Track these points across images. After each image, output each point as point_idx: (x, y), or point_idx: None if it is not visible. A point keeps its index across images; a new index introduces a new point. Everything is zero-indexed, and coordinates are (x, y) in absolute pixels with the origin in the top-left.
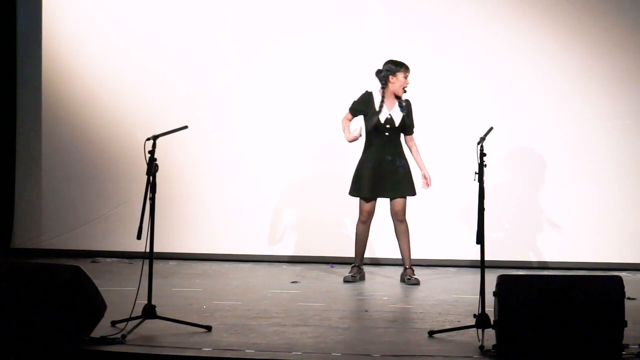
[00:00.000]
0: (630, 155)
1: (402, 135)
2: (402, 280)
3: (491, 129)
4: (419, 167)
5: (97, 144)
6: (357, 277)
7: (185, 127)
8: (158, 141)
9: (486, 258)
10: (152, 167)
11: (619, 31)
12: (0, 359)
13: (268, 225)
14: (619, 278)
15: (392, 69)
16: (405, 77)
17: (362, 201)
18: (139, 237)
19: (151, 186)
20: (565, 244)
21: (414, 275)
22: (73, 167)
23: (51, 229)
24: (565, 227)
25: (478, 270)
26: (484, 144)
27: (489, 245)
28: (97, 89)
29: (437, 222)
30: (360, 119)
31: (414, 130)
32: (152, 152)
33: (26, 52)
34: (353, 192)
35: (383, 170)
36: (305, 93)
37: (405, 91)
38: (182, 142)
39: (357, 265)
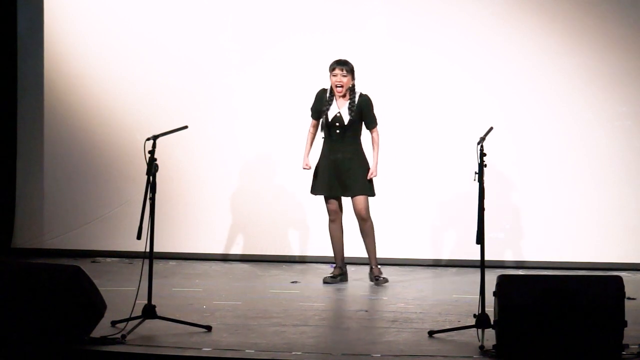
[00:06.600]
0: (630, 155)
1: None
2: (371, 280)
3: (491, 129)
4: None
5: (97, 144)
6: (337, 278)
7: (186, 127)
8: (158, 141)
9: (486, 258)
10: (152, 167)
11: (620, 32)
12: (1, 359)
13: (268, 225)
14: (619, 278)
15: (329, 68)
16: (335, 75)
17: (324, 200)
18: (139, 237)
19: (151, 186)
20: (565, 244)
21: (381, 274)
22: (74, 167)
23: (52, 229)
24: (565, 227)
25: (478, 270)
26: (484, 144)
27: (489, 245)
28: (98, 89)
29: (437, 222)
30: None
31: (376, 124)
32: (152, 152)
33: (27, 52)
34: (312, 190)
35: (337, 168)
36: (306, 93)
37: (338, 88)
38: (182, 142)
39: (338, 266)
